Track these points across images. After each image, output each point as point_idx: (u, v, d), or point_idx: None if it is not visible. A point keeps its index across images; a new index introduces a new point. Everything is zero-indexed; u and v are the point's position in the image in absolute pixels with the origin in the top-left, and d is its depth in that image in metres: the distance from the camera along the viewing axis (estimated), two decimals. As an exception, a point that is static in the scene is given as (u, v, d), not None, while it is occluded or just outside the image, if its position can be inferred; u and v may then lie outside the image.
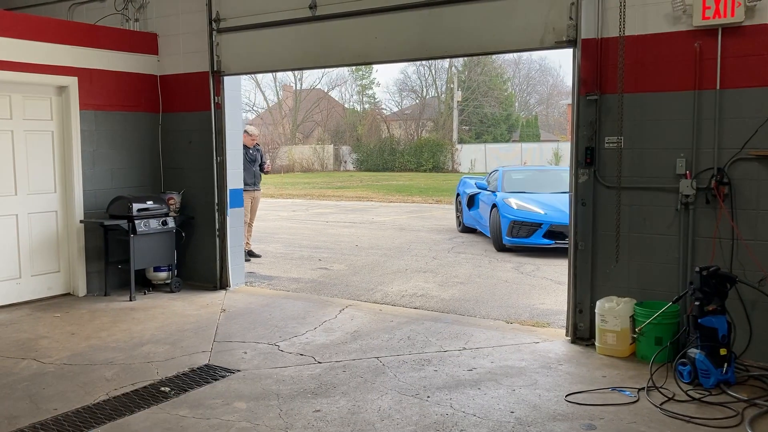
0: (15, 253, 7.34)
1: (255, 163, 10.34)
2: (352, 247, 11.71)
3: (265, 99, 53.38)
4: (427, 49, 6.62)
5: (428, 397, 4.62)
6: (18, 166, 7.32)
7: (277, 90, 50.66)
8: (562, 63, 57.78)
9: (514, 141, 43.60)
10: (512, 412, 4.32)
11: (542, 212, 10.76)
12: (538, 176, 12.95)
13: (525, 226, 10.73)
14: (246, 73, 8.59)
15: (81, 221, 7.71)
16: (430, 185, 28.11)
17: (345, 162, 44.77)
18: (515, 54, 33.75)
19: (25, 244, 7.41)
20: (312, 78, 49.71)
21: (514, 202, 11.10)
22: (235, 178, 8.22)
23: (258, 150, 10.47)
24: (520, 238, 10.75)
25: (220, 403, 4.50)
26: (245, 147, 9.70)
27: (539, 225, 10.64)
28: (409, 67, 48.39)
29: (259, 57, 7.69)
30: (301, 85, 49.26)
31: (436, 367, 5.23)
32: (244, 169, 8.96)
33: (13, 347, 5.79)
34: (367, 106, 49.43)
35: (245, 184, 9.11)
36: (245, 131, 10.06)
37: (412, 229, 14.33)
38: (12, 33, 7.05)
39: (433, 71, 47.13)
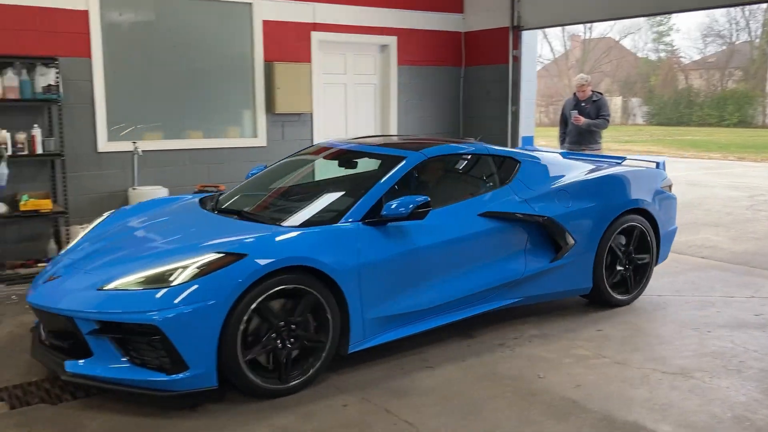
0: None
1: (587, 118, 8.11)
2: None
3: (552, 50, 52.61)
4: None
5: (708, 331, 4.89)
6: (348, 114, 8.81)
7: (564, 40, 49.61)
8: None
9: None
10: (797, 355, 4.42)
11: None
12: None
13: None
14: (545, 27, 9.08)
15: (394, 161, 9.02)
16: (732, 141, 25.79)
17: (634, 115, 42.61)
18: None
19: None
20: (603, 26, 47.69)
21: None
22: (527, 126, 8.86)
23: (594, 102, 8.14)
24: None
25: (512, 317, 5.26)
26: (575, 100, 8.22)
27: None
28: (717, 10, 43.86)
29: (558, 10, 8.14)
30: (590, 34, 47.58)
31: (719, 309, 5.41)
32: (567, 126, 8.16)
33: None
34: (662, 54, 46.04)
35: (570, 142, 8.12)
36: (577, 82, 8.38)
37: (705, 185, 13.68)
38: (349, 0, 8.43)
39: (746, 12, 42.11)
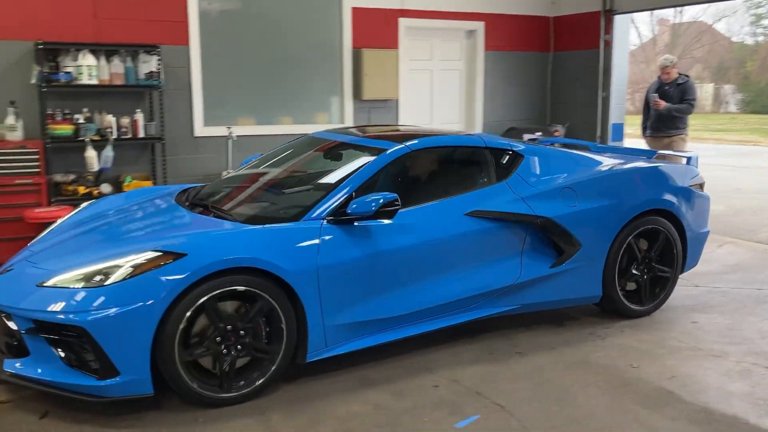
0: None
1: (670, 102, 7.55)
2: (734, 189, 11.19)
3: (639, 35, 50.72)
4: None
5: (814, 328, 4.68)
6: (434, 100, 8.82)
7: (652, 25, 47.75)
8: None
9: None
10: None
11: None
12: None
13: None
14: (639, 11, 8.81)
15: (479, 148, 8.99)
16: (836, 130, 24.24)
17: (726, 103, 40.64)
18: None
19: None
20: (695, 10, 45.52)
21: None
22: (617, 113, 8.63)
23: (679, 85, 7.59)
24: None
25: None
26: (659, 83, 7.71)
27: None
28: (821, -9, 41.18)
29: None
30: (681, 17, 45.59)
31: (826, 305, 5.16)
32: (649, 111, 7.70)
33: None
34: (761, 38, 43.65)
35: (651, 128, 7.70)
36: (661, 63, 7.74)
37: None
38: (436, -13, 8.43)
39: None
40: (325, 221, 3.83)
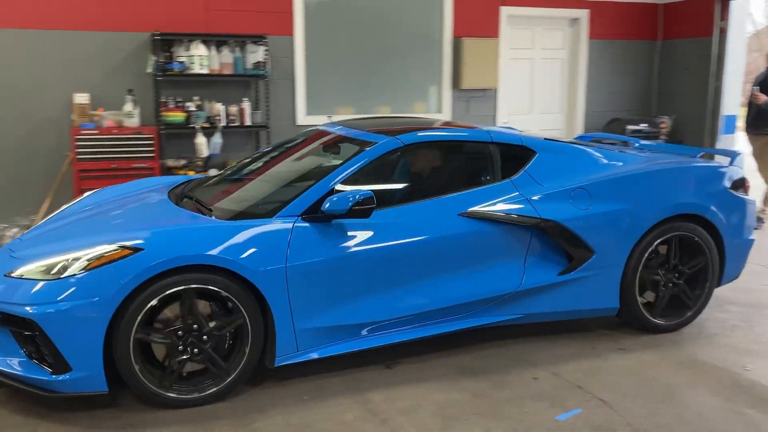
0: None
1: None
2: None
3: (753, 22, 47.72)
4: None
5: None
6: (534, 90, 8.67)
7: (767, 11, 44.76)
8: None
9: None
10: None
11: None
12: None
13: None
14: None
15: (579, 139, 8.78)
16: None
17: None
18: None
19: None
20: (816, -5, 42.22)
21: None
22: (731, 104, 8.21)
23: None
24: None
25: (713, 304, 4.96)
26: (766, 74, 7.22)
27: None
28: None
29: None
30: (802, 3, 42.49)
31: None
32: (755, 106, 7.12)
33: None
34: None
35: (750, 125, 7.23)
36: None
37: None
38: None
39: None
40: (300, 219, 3.60)
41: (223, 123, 6.83)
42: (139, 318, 3.25)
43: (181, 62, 6.63)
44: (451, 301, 3.90)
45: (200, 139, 6.67)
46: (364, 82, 7.76)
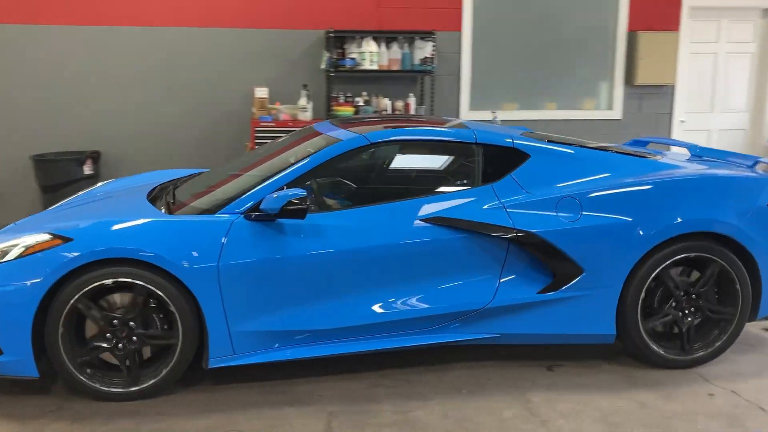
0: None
1: None
2: None
3: None
4: None
5: None
6: (716, 86, 8.03)
7: None
8: None
9: None
10: None
11: None
12: None
13: None
14: None
15: None
16: None
17: None
18: None
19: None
20: None
21: None
22: None
23: None
24: None
25: None
26: None
27: None
28: None
29: None
30: None
31: None
32: None
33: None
34: None
35: None
36: None
37: None
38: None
39: None
40: (241, 217, 3.46)
41: (388, 118, 6.99)
42: (66, 309, 3.28)
43: (353, 58, 6.87)
44: (408, 314, 3.59)
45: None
46: (531, 78, 7.60)
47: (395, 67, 6.97)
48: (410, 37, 7.00)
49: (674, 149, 5.29)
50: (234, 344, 3.44)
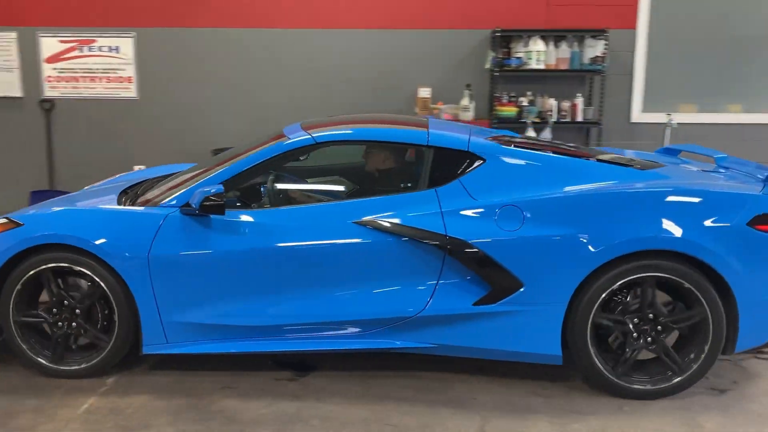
0: None
1: None
2: None
3: None
4: None
5: None
6: None
7: None
8: None
9: None
10: None
11: None
12: None
13: None
14: None
15: None
16: None
17: None
18: None
19: None
20: None
21: None
22: None
23: None
24: None
25: None
26: None
27: None
28: None
29: None
30: None
31: None
32: None
33: None
34: None
35: None
36: None
37: None
38: None
39: None
40: (180, 209, 3.57)
41: (554, 118, 6.79)
42: (17, 288, 3.62)
43: (519, 58, 6.74)
44: (336, 316, 3.54)
45: (530, 134, 6.73)
46: (713, 77, 7.06)
47: (563, 67, 6.76)
48: (580, 35, 6.76)
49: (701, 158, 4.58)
50: (167, 333, 3.63)
